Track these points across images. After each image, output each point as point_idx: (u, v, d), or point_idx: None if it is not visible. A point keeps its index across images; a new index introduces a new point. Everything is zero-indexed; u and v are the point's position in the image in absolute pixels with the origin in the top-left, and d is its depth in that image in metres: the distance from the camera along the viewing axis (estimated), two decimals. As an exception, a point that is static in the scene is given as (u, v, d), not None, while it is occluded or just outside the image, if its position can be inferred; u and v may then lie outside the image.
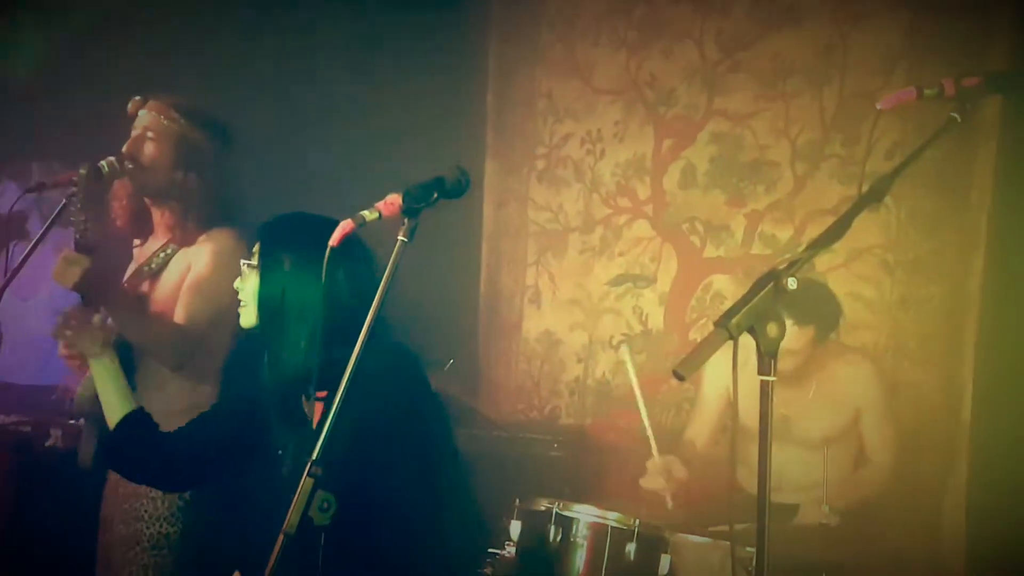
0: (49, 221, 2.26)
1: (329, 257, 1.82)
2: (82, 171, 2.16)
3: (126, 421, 2.17)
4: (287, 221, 2.18)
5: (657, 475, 2.81)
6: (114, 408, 2.18)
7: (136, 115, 2.51)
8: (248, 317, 2.13)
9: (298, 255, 2.07)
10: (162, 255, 2.55)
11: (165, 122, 2.47)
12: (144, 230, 2.61)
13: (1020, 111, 3.09)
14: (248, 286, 2.12)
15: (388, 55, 4.18)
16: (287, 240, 2.12)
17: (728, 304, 3.88)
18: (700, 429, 3.20)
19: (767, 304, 1.47)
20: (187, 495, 2.46)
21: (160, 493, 2.45)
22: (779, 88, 3.82)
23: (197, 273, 2.46)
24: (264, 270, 2.10)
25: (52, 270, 2.20)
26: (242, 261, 2.14)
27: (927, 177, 3.41)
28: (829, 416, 2.98)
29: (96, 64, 3.73)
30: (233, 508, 2.50)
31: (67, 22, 3.74)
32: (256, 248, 2.14)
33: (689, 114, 4.03)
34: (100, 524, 2.58)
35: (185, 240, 2.53)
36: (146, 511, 2.44)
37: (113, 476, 2.57)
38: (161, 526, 2.43)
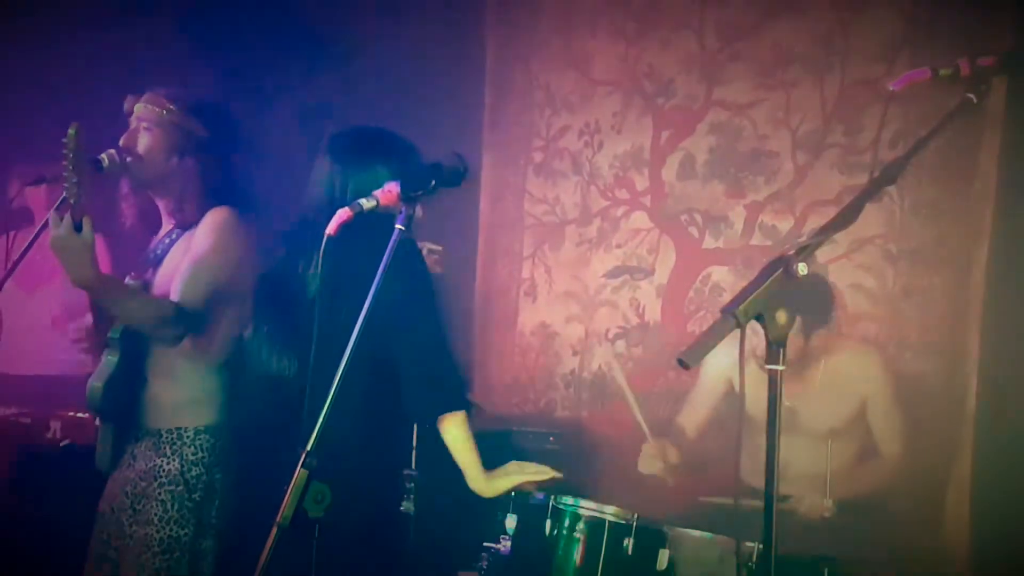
0: (51, 213, 2.20)
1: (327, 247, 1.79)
2: (71, 131, 2.10)
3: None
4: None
5: (653, 458, 2.83)
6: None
7: (132, 111, 2.54)
8: None
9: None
10: (167, 240, 2.57)
11: (158, 111, 2.50)
12: (154, 225, 2.64)
13: (1025, 97, 3.04)
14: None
15: (384, 48, 4.13)
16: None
17: (727, 296, 3.82)
18: (692, 415, 3.16)
19: (776, 291, 1.42)
20: (196, 496, 2.41)
21: (169, 495, 2.40)
22: (779, 77, 3.76)
23: (195, 249, 2.45)
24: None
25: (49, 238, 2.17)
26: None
27: (930, 166, 3.36)
28: (836, 407, 2.93)
29: (101, 60, 3.74)
30: (243, 507, 2.46)
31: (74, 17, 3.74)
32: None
33: (688, 104, 3.98)
34: (96, 519, 2.53)
35: (186, 223, 2.54)
36: (156, 515, 2.40)
37: (119, 475, 2.52)
38: (171, 529, 2.39)
